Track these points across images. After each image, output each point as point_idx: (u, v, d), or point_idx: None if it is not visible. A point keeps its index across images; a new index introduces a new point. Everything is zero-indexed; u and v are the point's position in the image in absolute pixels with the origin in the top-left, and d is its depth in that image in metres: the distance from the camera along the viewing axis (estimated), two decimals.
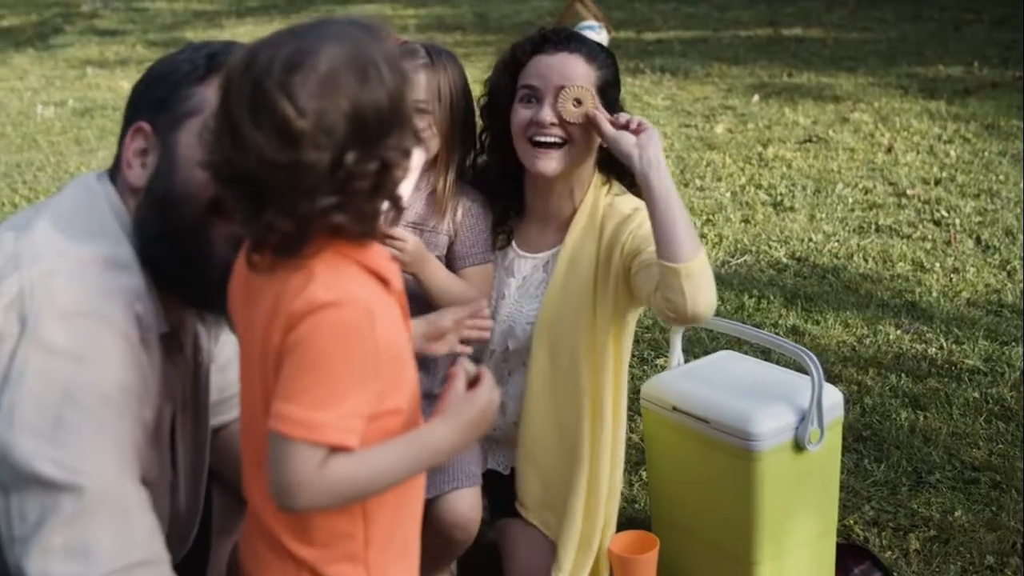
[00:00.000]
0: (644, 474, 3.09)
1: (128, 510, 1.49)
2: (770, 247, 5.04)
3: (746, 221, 5.43)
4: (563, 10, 11.13)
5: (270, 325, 1.46)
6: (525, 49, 2.49)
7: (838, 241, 5.09)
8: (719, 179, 6.14)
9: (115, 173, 1.71)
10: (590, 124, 2.41)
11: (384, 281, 1.55)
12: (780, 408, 2.51)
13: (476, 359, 2.63)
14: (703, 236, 5.16)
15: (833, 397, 2.60)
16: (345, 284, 1.47)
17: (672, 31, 11.49)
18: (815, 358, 2.52)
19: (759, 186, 5.97)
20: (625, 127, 2.37)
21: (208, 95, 1.64)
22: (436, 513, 2.44)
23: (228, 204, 1.48)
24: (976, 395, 3.60)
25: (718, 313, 2.54)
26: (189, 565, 1.65)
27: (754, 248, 5.03)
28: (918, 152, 6.47)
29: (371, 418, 1.49)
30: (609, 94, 2.50)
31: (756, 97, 8.15)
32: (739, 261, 4.87)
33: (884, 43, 10.17)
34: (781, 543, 2.56)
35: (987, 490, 3.10)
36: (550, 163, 2.45)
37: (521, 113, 2.46)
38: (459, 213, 2.51)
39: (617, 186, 2.56)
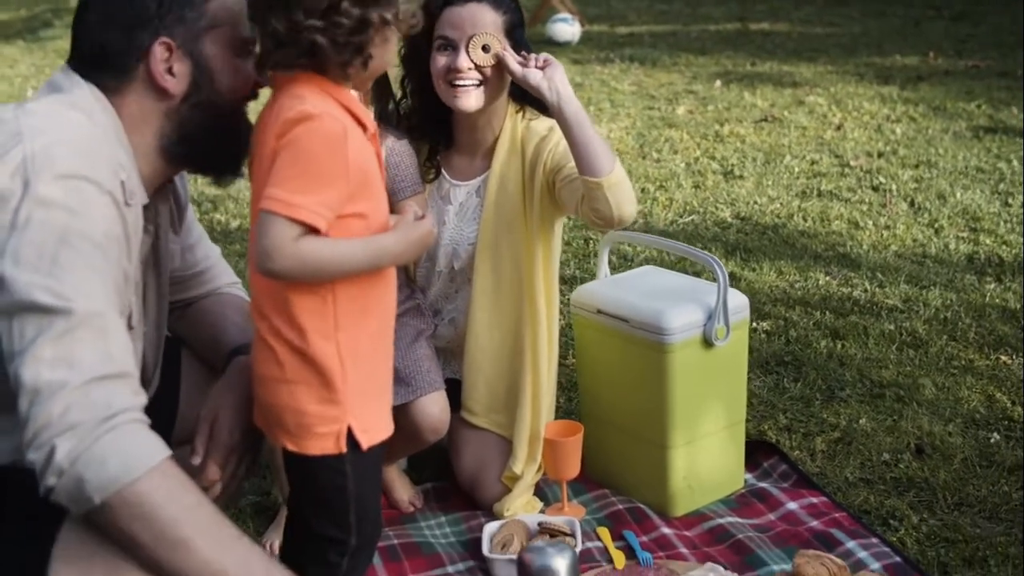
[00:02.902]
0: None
1: (108, 332, 1.76)
2: (717, 208, 5.37)
3: (697, 187, 5.75)
4: (538, 4, 11.45)
5: (270, 135, 1.86)
6: (438, 3, 2.80)
7: (781, 204, 5.42)
8: (675, 152, 6.47)
9: (91, 72, 1.99)
10: (501, 65, 2.72)
11: (361, 124, 1.94)
12: (690, 307, 2.83)
13: (425, 279, 2.97)
14: (655, 200, 5.50)
15: (738, 300, 2.92)
16: (328, 108, 1.87)
17: (644, 25, 11.84)
18: (720, 263, 2.84)
19: (712, 158, 6.30)
20: (532, 65, 2.69)
21: (216, 10, 1.99)
22: (409, 418, 2.75)
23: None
24: (891, 327, 3.92)
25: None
26: (157, 426, 1.94)
27: (702, 209, 5.36)
28: (866, 130, 6.82)
29: (339, 216, 1.86)
30: (516, 34, 2.80)
31: (718, 83, 8.48)
32: (686, 220, 5.19)
33: (847, 37, 10.53)
34: (692, 430, 2.87)
35: (891, 403, 3.41)
36: (469, 100, 2.75)
37: (439, 60, 2.75)
38: (384, 154, 2.83)
39: (530, 111, 2.88)
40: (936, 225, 5.01)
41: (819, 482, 3.00)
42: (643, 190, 5.66)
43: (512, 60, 2.69)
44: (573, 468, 2.88)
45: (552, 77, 2.65)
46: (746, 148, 6.49)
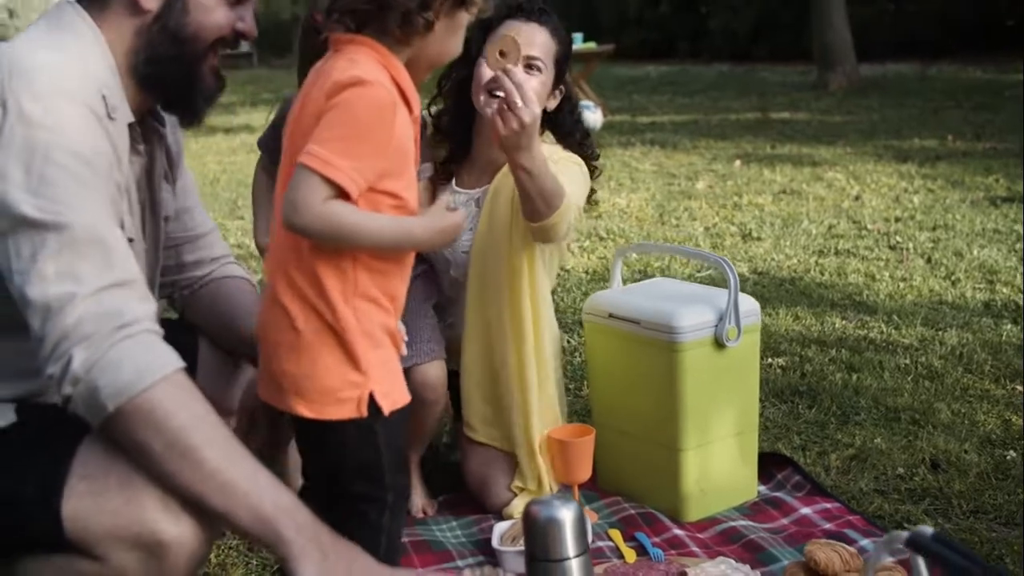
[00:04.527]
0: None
1: (106, 243, 1.79)
2: (734, 264, 5.39)
3: (715, 247, 5.80)
4: None
5: (320, 93, 1.88)
6: (500, 13, 2.88)
7: (798, 260, 5.45)
8: (694, 219, 6.54)
9: None
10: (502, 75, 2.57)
11: (407, 103, 1.95)
12: (701, 308, 2.85)
13: (440, 287, 3.02)
14: (672, 259, 5.53)
15: (749, 304, 2.94)
16: (381, 78, 1.89)
17: (665, 116, 12.03)
18: (731, 265, 2.87)
19: (730, 223, 6.36)
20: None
21: None
22: (409, 380, 2.77)
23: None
24: (907, 361, 3.92)
25: None
26: None
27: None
28: (883, 199, 6.87)
29: (370, 188, 1.88)
30: (562, 66, 2.89)
31: (738, 162, 8.58)
32: (703, 275, 5.23)
33: (866, 124, 10.66)
34: (705, 433, 2.87)
35: (906, 425, 3.40)
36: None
37: (486, 68, 2.78)
38: None
39: (548, 136, 2.93)
40: (953, 278, 5.02)
41: (833, 492, 2.98)
42: None
43: (504, 78, 2.53)
44: (584, 471, 2.87)
45: (511, 123, 2.52)
46: (764, 215, 6.55)
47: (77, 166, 1.80)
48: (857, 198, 6.93)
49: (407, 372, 2.74)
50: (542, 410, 2.92)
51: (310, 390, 1.95)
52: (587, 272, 5.36)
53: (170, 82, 2.06)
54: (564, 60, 2.89)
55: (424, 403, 2.82)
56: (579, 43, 11.05)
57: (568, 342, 4.16)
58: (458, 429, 3.10)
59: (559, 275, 3.99)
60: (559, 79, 2.88)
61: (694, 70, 19.00)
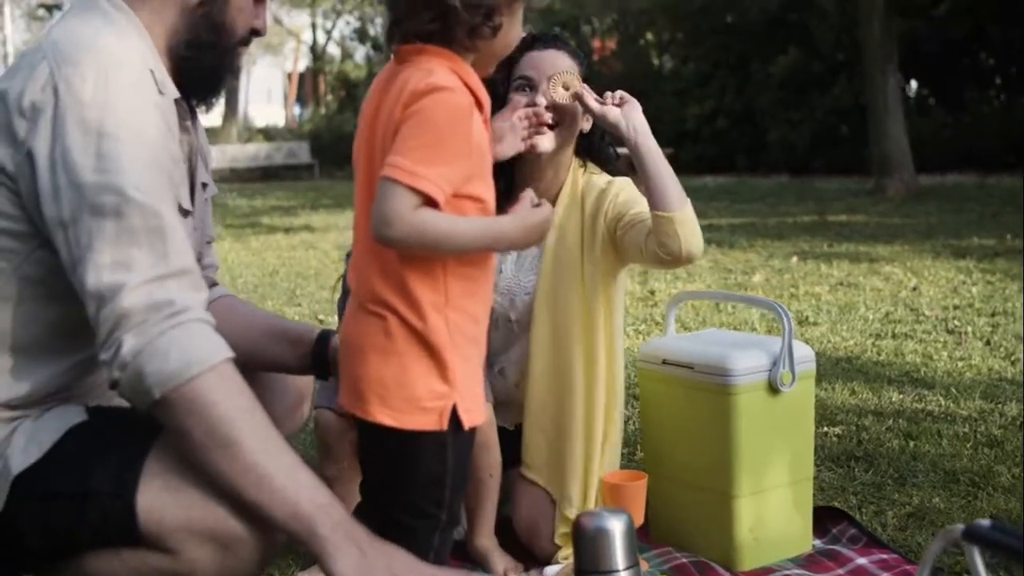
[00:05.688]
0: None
1: (163, 229, 1.82)
2: None
3: (769, 331, 5.77)
4: None
5: (395, 104, 1.90)
6: (519, 47, 2.95)
7: (855, 343, 5.42)
8: (750, 307, 6.52)
9: None
10: (579, 103, 2.79)
11: (479, 103, 1.99)
12: (755, 353, 2.85)
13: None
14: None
15: (804, 350, 2.93)
16: (455, 83, 1.93)
17: (723, 219, 12.06)
18: (785, 309, 2.88)
19: (787, 309, 6.33)
20: (609, 103, 2.79)
21: None
22: None
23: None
24: (966, 430, 3.87)
25: None
26: None
27: None
28: (941, 289, 6.83)
29: (455, 193, 1.90)
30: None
31: (795, 259, 8.58)
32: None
33: (924, 225, 10.65)
34: (759, 480, 2.84)
35: (966, 487, 3.34)
36: (543, 142, 2.85)
37: (517, 100, 2.83)
38: None
39: (591, 166, 2.99)
40: (1013, 358, 4.96)
41: (891, 546, 2.93)
42: None
43: (591, 97, 2.78)
44: (636, 517, 2.84)
45: (630, 115, 2.74)
46: (821, 304, 6.54)
47: (131, 138, 1.84)
48: (915, 289, 6.90)
49: None
50: (603, 464, 2.92)
51: (395, 398, 1.93)
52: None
53: (204, 68, 2.12)
54: (586, 79, 2.95)
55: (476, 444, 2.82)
56: None
57: None
58: (507, 477, 3.07)
59: None
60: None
61: (752, 181, 19.13)
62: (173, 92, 2.05)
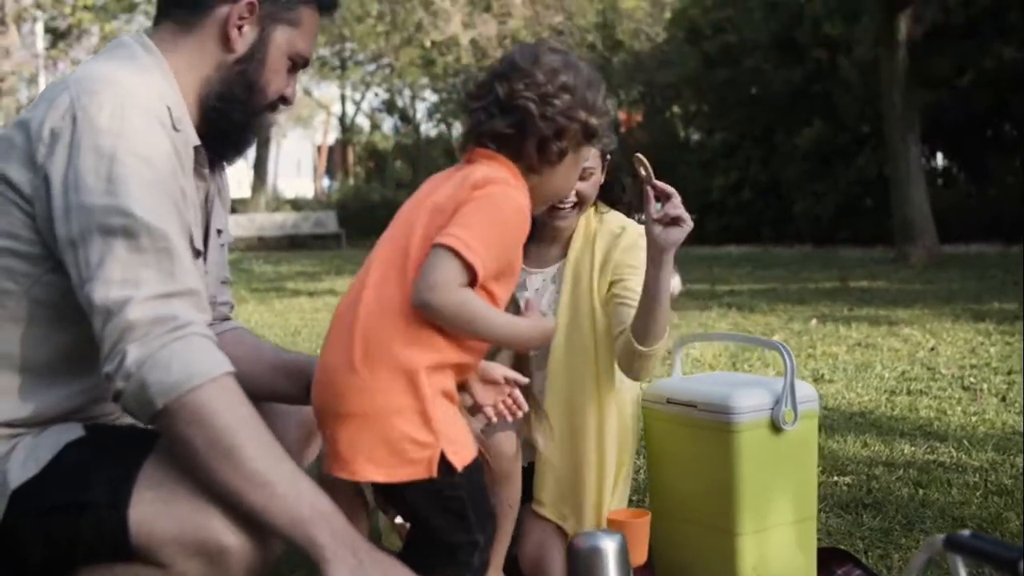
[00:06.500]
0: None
1: (172, 251, 1.89)
2: None
3: (779, 374, 5.78)
4: None
5: (460, 187, 2.00)
6: None
7: (869, 399, 5.43)
8: (767, 365, 6.55)
9: (170, 6, 2.18)
10: (646, 185, 2.67)
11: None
12: (757, 391, 2.89)
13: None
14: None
15: (806, 390, 2.97)
16: (524, 190, 2.06)
17: (744, 285, 12.11)
18: (788, 349, 2.92)
19: (803, 368, 6.36)
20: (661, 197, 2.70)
21: (305, 15, 2.21)
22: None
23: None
24: (976, 479, 3.87)
25: None
26: None
27: None
28: (959, 349, 6.84)
29: (482, 282, 1.96)
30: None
31: (814, 321, 8.60)
32: None
33: (945, 291, 10.65)
34: (762, 518, 2.86)
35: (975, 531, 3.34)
36: (566, 221, 2.96)
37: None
38: None
39: (603, 204, 3.06)
40: None
41: None
42: None
43: (652, 198, 2.65)
44: (640, 554, 2.87)
45: (668, 239, 2.64)
46: (837, 363, 6.54)
47: (142, 167, 1.91)
48: (932, 349, 6.91)
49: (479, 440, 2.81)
50: (613, 506, 2.96)
51: (381, 453, 1.95)
52: None
53: (232, 122, 2.21)
54: (613, 151, 3.01)
55: (498, 475, 2.85)
56: None
57: None
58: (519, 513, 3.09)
59: None
60: (601, 153, 2.99)
61: (775, 250, 19.16)
62: (191, 134, 2.13)
